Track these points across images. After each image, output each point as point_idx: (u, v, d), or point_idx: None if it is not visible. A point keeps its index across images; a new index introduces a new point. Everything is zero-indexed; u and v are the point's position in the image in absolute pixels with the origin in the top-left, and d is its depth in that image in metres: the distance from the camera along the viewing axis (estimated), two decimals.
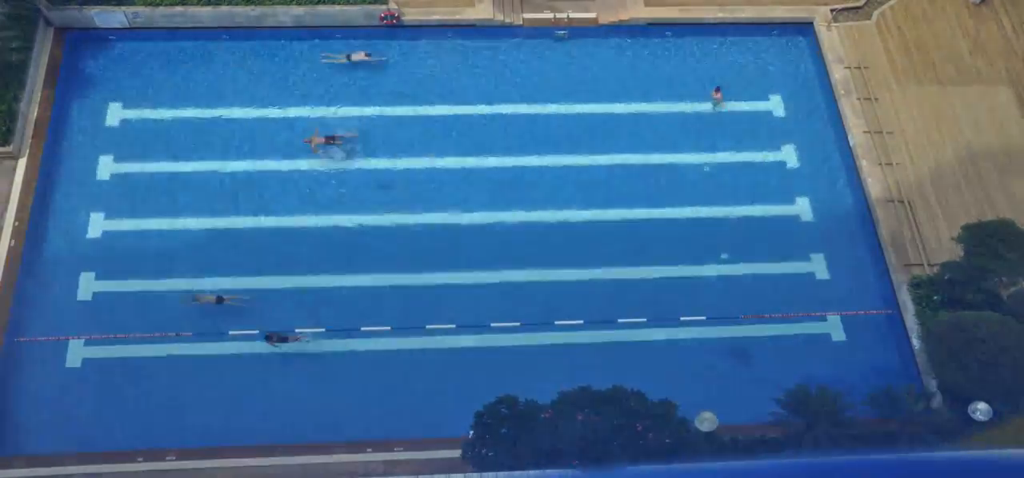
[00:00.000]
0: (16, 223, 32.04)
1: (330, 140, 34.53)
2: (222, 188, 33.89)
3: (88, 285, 31.48)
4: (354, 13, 37.31)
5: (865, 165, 35.15)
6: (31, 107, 34.32)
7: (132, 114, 35.25)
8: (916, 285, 31.81)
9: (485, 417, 27.22)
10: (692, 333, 31.82)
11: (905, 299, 31.90)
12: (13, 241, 31.68)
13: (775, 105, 37.37)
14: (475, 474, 26.72)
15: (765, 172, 35.68)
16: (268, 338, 30.22)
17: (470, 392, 28.38)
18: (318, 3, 36.91)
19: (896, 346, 31.81)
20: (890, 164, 35.11)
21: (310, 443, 28.89)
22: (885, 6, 39.27)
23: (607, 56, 38.34)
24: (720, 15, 38.79)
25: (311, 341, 30.60)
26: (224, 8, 36.62)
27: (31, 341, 30.25)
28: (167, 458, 28.31)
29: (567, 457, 26.41)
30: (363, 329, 31.21)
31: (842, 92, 36.94)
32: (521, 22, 38.35)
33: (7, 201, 32.36)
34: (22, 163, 33.29)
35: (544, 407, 27.19)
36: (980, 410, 27.87)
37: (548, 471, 26.30)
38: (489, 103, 36.67)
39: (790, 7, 39.25)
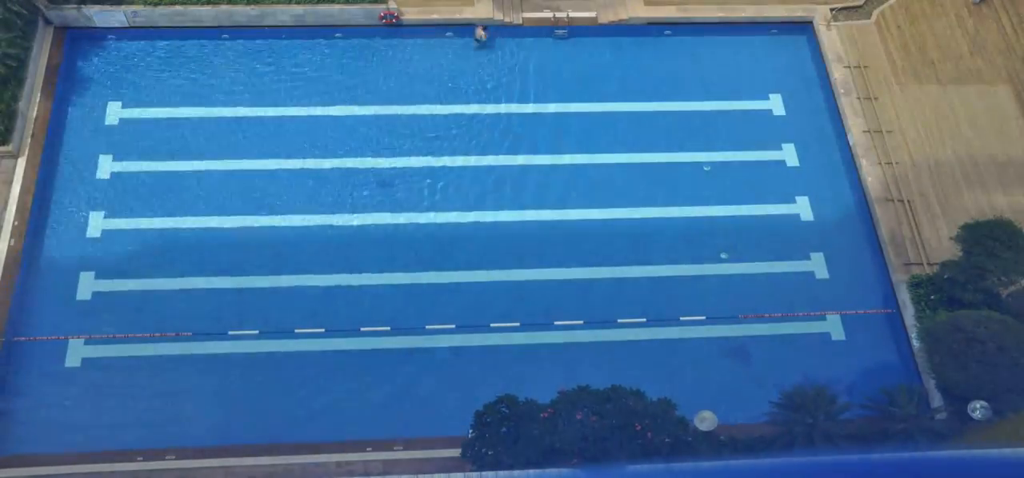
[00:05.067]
0: (15, 222, 32.00)
1: None
2: (222, 187, 33.85)
3: (88, 285, 31.45)
4: (354, 12, 37.30)
5: (865, 164, 35.16)
6: (30, 106, 34.26)
7: (132, 113, 35.22)
8: (916, 285, 31.79)
9: (485, 416, 27.29)
10: (691, 332, 31.79)
11: (905, 299, 31.91)
12: (12, 240, 31.64)
13: (775, 104, 37.36)
14: (475, 473, 26.71)
15: (765, 171, 35.68)
16: None
17: (470, 392, 28.48)
18: (318, 2, 36.89)
19: (896, 346, 31.82)
20: (890, 163, 35.13)
21: (310, 443, 28.87)
22: (884, 5, 39.24)
23: (607, 55, 38.33)
24: (719, 14, 38.77)
25: None
26: (224, 7, 36.60)
27: (30, 341, 30.25)
28: (167, 458, 28.29)
29: (566, 456, 26.44)
30: (362, 329, 31.22)
31: (842, 91, 36.94)
32: (521, 21, 38.34)
33: (6, 201, 32.32)
34: (21, 162, 33.24)
35: (544, 406, 27.24)
36: (979, 409, 27.93)
37: (547, 470, 26.29)
38: (488, 102, 36.66)
39: (789, 6, 39.24)
